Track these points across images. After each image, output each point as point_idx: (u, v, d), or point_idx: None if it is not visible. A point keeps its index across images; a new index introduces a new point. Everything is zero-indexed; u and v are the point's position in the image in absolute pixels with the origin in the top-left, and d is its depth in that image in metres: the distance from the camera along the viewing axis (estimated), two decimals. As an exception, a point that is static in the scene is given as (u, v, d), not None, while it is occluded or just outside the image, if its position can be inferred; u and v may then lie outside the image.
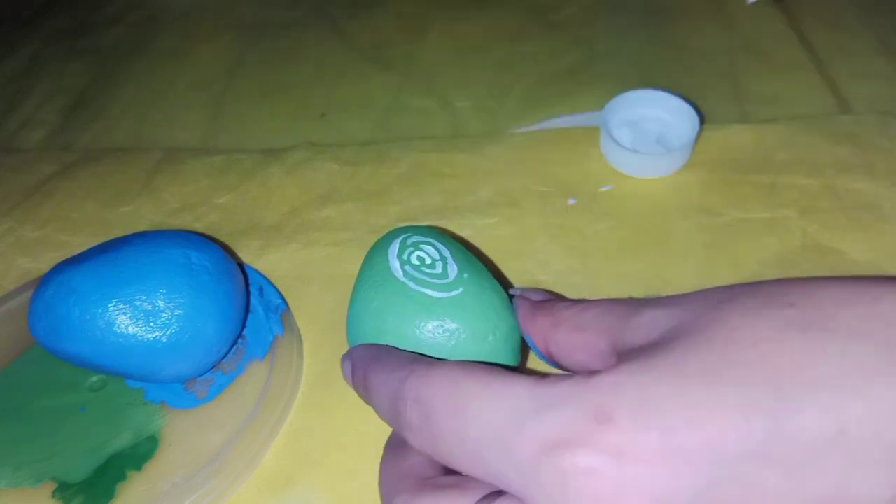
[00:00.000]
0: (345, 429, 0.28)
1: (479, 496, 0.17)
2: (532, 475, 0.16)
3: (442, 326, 0.24)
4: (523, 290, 0.26)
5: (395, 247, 0.26)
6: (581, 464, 0.15)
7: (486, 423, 0.17)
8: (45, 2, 0.63)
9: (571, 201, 0.36)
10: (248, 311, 0.32)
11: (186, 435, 0.28)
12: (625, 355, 0.18)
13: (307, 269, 0.35)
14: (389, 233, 0.27)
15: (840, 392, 0.15)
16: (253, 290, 0.33)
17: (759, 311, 0.17)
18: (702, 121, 0.36)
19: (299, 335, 0.32)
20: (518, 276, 0.33)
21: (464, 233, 0.35)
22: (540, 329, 0.23)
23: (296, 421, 0.29)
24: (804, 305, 0.16)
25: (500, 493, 0.17)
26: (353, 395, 0.23)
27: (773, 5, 0.46)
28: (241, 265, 0.33)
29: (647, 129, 0.38)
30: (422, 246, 0.26)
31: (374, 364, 0.22)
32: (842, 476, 0.14)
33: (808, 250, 0.32)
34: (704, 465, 0.15)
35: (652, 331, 0.18)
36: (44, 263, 0.38)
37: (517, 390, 0.17)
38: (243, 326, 0.31)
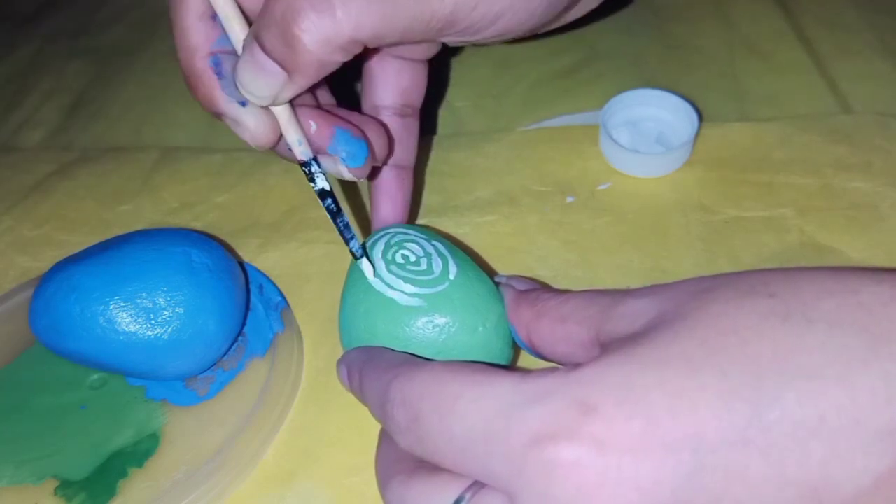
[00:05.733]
0: (345, 424, 0.28)
1: (470, 480, 0.18)
2: (519, 469, 0.16)
3: (431, 322, 0.24)
4: (509, 278, 0.26)
5: (379, 247, 0.26)
6: (565, 456, 0.16)
7: (472, 420, 0.17)
8: (45, 2, 0.63)
9: (570, 199, 0.36)
10: (248, 308, 0.32)
11: (187, 432, 0.28)
12: (608, 346, 0.19)
13: (306, 267, 0.35)
14: (375, 234, 0.28)
15: (820, 380, 0.15)
16: (253, 287, 0.33)
17: (741, 300, 0.17)
18: (700, 119, 0.36)
19: (299, 332, 0.32)
20: (517, 271, 0.33)
21: (462, 230, 0.35)
22: (523, 319, 0.23)
23: (296, 417, 0.29)
24: (785, 295, 0.16)
25: None
26: (353, 391, 0.23)
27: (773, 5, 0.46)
28: (240, 263, 0.33)
29: (646, 129, 0.38)
30: (406, 244, 0.26)
31: (365, 368, 0.22)
32: (822, 463, 0.14)
33: (806, 249, 0.32)
34: (687, 453, 0.15)
35: (635, 321, 0.18)
36: (43, 262, 0.38)
37: (502, 387, 0.17)
38: (243, 324, 0.31)
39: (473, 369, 0.19)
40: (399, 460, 0.20)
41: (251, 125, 0.25)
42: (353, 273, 0.27)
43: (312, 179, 0.26)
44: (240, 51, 0.25)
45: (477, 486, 0.17)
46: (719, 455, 0.15)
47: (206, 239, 0.30)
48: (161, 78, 0.51)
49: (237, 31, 0.25)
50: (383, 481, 0.20)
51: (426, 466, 0.19)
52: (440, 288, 0.25)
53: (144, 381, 0.30)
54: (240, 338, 0.31)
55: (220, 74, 0.25)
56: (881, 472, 0.14)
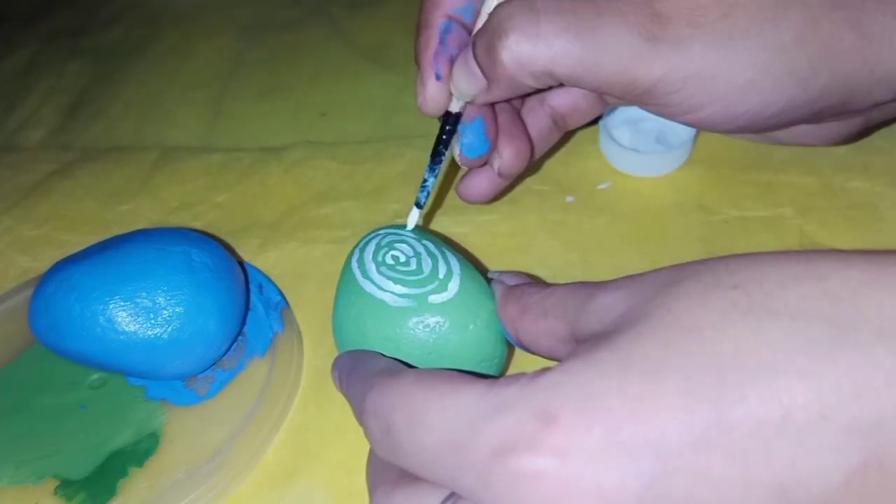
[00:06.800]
0: (345, 424, 0.28)
1: (448, 491, 0.18)
2: (485, 480, 0.16)
3: (421, 322, 0.24)
4: (500, 273, 0.26)
5: (370, 248, 0.26)
6: (528, 467, 0.15)
7: (440, 432, 0.17)
8: (45, 2, 0.63)
9: (570, 198, 0.36)
10: (248, 308, 0.32)
11: (187, 432, 0.28)
12: (580, 343, 0.19)
13: (306, 267, 0.35)
14: (366, 235, 0.28)
15: (783, 376, 0.14)
16: (253, 287, 0.33)
17: (705, 293, 0.16)
18: (700, 119, 0.36)
19: (299, 331, 0.32)
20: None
21: (462, 230, 0.35)
22: (509, 316, 0.23)
23: (296, 416, 0.29)
24: (749, 285, 0.16)
25: None
26: (353, 390, 0.23)
27: None
28: (240, 263, 0.33)
29: (646, 128, 0.38)
30: (396, 245, 0.26)
31: (350, 376, 0.23)
32: (789, 461, 0.14)
33: (805, 249, 0.32)
34: (648, 458, 0.15)
35: (604, 317, 0.18)
36: (43, 262, 0.38)
37: (468, 397, 0.17)
38: (243, 323, 0.31)
39: (444, 379, 0.18)
40: (385, 468, 0.20)
41: (431, 94, 0.28)
42: (345, 275, 0.27)
43: (446, 129, 0.29)
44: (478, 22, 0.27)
45: (455, 496, 0.18)
46: (682, 458, 0.15)
47: (206, 238, 0.30)
48: (161, 78, 0.51)
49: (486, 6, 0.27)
50: (371, 489, 0.20)
51: (409, 476, 0.19)
52: (430, 287, 0.25)
53: (144, 381, 0.30)
54: (240, 337, 0.31)
55: (441, 39, 0.28)
56: (851, 469, 0.14)
